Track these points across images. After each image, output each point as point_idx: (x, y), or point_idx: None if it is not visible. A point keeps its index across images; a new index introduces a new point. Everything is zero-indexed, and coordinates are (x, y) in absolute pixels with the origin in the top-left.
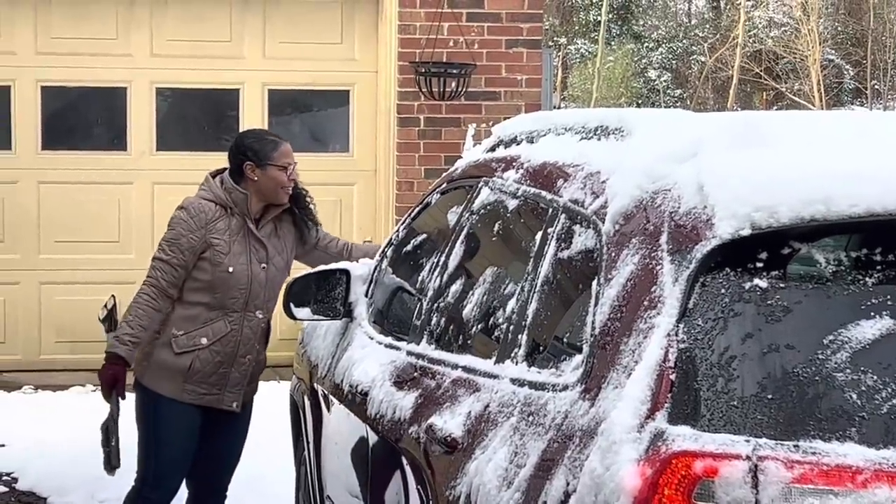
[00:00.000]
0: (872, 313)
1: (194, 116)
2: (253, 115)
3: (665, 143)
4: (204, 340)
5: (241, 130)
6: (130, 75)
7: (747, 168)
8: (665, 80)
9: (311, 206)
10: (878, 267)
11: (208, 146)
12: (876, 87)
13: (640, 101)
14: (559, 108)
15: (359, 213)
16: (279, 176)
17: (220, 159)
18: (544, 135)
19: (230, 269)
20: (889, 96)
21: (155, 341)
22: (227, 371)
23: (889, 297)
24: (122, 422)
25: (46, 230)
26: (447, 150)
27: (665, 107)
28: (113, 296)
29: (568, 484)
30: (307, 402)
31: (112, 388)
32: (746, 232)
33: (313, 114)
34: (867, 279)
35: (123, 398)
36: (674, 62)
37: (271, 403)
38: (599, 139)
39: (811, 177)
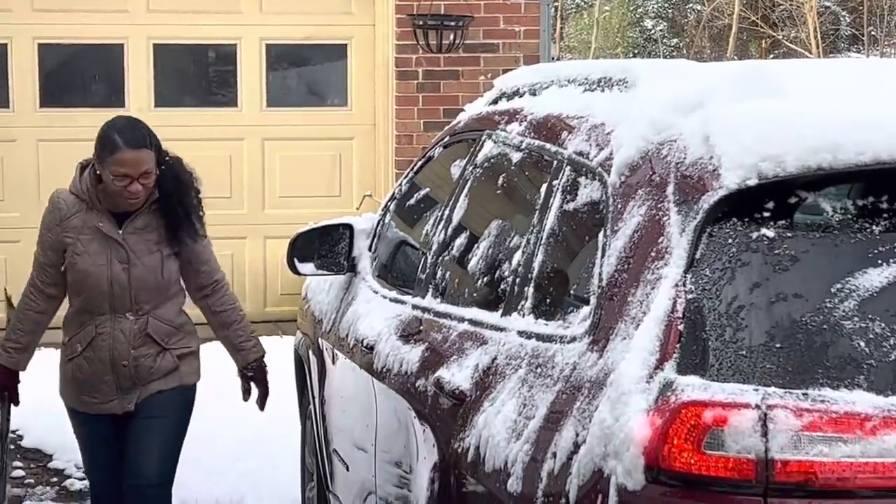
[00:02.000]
0: (879, 261)
1: (192, 72)
2: (251, 70)
3: (670, 94)
4: (78, 347)
5: (238, 85)
6: (127, 32)
7: (753, 118)
8: (661, 30)
9: (196, 214)
10: (885, 215)
11: (206, 102)
12: (872, 33)
13: (636, 51)
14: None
15: (358, 168)
16: (113, 184)
17: (218, 115)
18: (547, 87)
19: (86, 271)
20: (885, 42)
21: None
22: (110, 377)
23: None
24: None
25: (46, 188)
26: (446, 103)
27: (662, 56)
28: (5, 288)
29: (577, 435)
30: (312, 357)
31: None
32: (753, 182)
33: (311, 68)
34: (874, 227)
35: (16, 404)
36: (670, 11)
37: (274, 359)
38: (603, 90)
39: (817, 126)
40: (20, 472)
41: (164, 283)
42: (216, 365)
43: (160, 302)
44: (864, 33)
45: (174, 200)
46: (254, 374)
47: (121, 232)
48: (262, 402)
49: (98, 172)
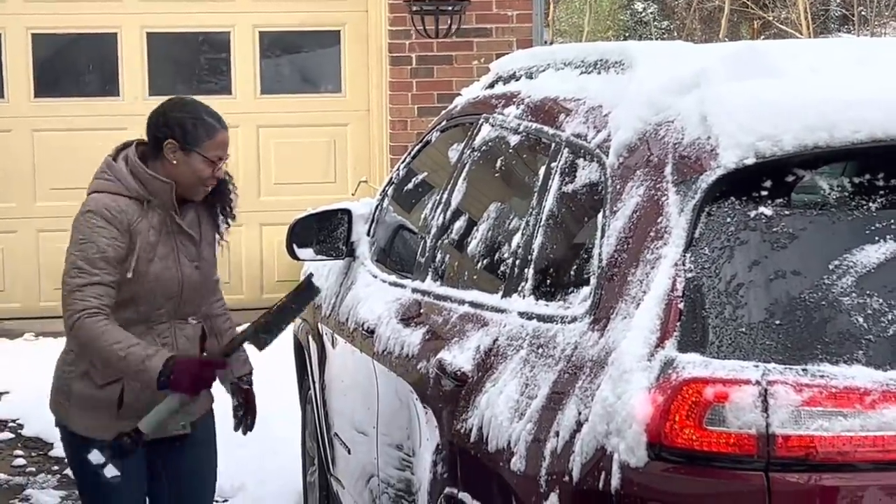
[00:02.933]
0: (877, 238)
1: (186, 60)
2: (244, 58)
3: (667, 75)
4: (110, 370)
5: (232, 73)
6: (120, 20)
7: (750, 98)
8: (652, 12)
9: (233, 196)
10: (882, 192)
11: (200, 90)
12: (863, 13)
13: (627, 34)
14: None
15: (353, 154)
16: (203, 169)
17: (212, 103)
18: (543, 70)
19: (158, 276)
20: (875, 22)
21: (67, 375)
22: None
23: (892, 221)
24: None
25: (42, 178)
26: (440, 88)
27: (653, 39)
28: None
29: (580, 413)
30: (312, 342)
31: (203, 384)
32: (751, 161)
33: (304, 55)
34: (871, 204)
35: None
36: None
37: (273, 345)
38: (600, 73)
39: (814, 104)
40: (21, 461)
41: (214, 278)
42: None
43: (207, 301)
44: (855, 13)
45: (221, 188)
46: (249, 388)
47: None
48: (251, 423)
49: (168, 156)
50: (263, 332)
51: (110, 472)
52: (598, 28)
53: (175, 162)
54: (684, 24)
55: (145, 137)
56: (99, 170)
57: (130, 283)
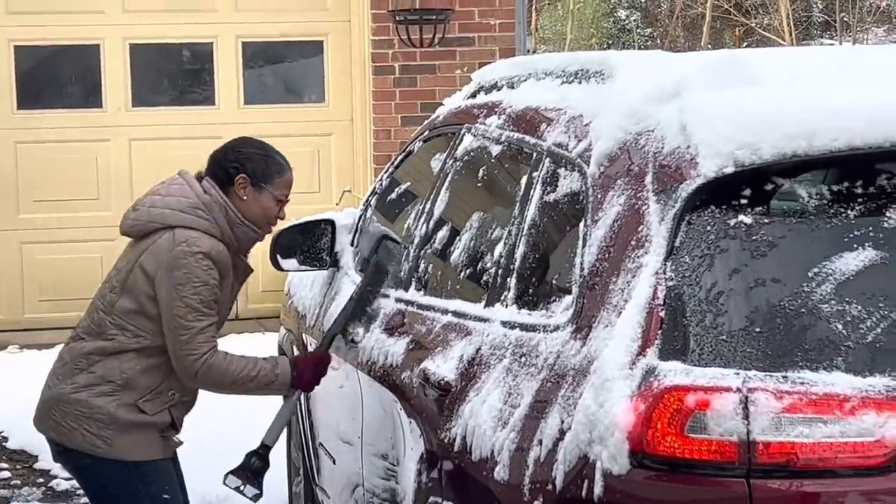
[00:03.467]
0: (855, 245)
1: (169, 71)
2: (227, 69)
3: (647, 85)
4: (173, 394)
5: (215, 84)
6: (103, 32)
7: (729, 107)
8: (635, 20)
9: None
10: (860, 199)
11: (183, 101)
12: (845, 19)
13: (610, 42)
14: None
15: (336, 164)
16: (271, 207)
17: (196, 113)
18: (525, 80)
19: (220, 313)
20: (857, 28)
21: (106, 404)
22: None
23: (871, 228)
24: None
25: (25, 190)
26: (423, 98)
27: (636, 46)
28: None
29: (563, 422)
30: (296, 353)
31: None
32: (730, 169)
33: (287, 65)
34: (849, 212)
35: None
36: (643, 0)
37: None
38: (581, 82)
39: (792, 113)
40: (6, 474)
41: None
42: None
43: None
44: (837, 20)
45: None
46: None
47: None
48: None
49: (239, 191)
50: (352, 322)
51: (250, 491)
52: (581, 36)
53: (245, 198)
54: (667, 32)
55: (203, 170)
56: (188, 204)
57: None
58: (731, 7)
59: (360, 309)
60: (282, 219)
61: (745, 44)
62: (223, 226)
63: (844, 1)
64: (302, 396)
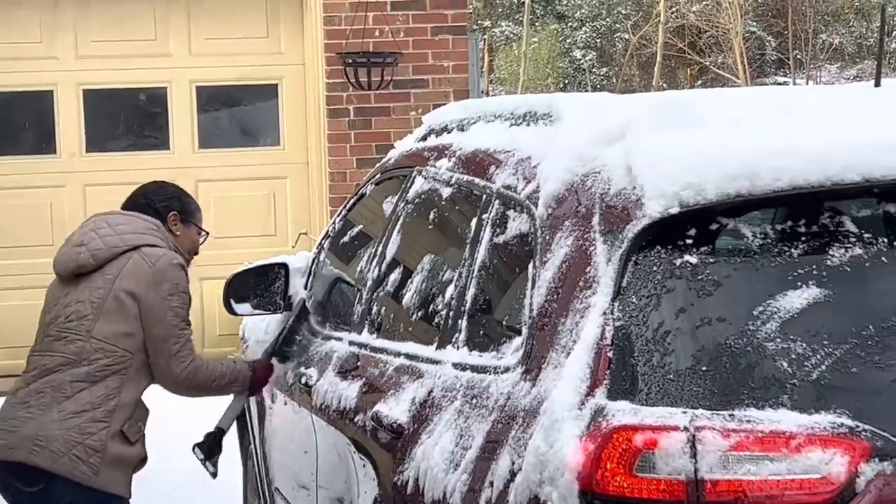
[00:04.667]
0: (799, 283)
1: (123, 116)
2: (182, 113)
3: (593, 127)
4: (141, 425)
5: (169, 128)
6: (56, 78)
7: (674, 147)
8: (590, 59)
9: None
10: (803, 238)
11: (138, 146)
12: (798, 56)
13: (566, 81)
14: (487, 92)
15: (292, 206)
16: (197, 240)
17: (151, 158)
18: (474, 122)
19: None
20: (811, 65)
21: (98, 432)
22: None
23: (814, 266)
24: None
25: None
26: (378, 140)
27: (592, 86)
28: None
29: (513, 463)
30: (251, 397)
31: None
32: (675, 210)
33: (242, 108)
34: (793, 250)
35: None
36: (598, 41)
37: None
38: (529, 125)
39: (735, 153)
40: None
41: None
42: (158, 407)
43: None
44: (790, 57)
45: None
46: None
47: None
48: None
49: (172, 227)
50: (285, 346)
51: (210, 468)
52: (537, 76)
53: (178, 233)
54: (622, 71)
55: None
56: (146, 227)
57: None
58: (685, 46)
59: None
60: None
61: (700, 82)
62: (178, 248)
63: (797, 39)
64: (257, 441)
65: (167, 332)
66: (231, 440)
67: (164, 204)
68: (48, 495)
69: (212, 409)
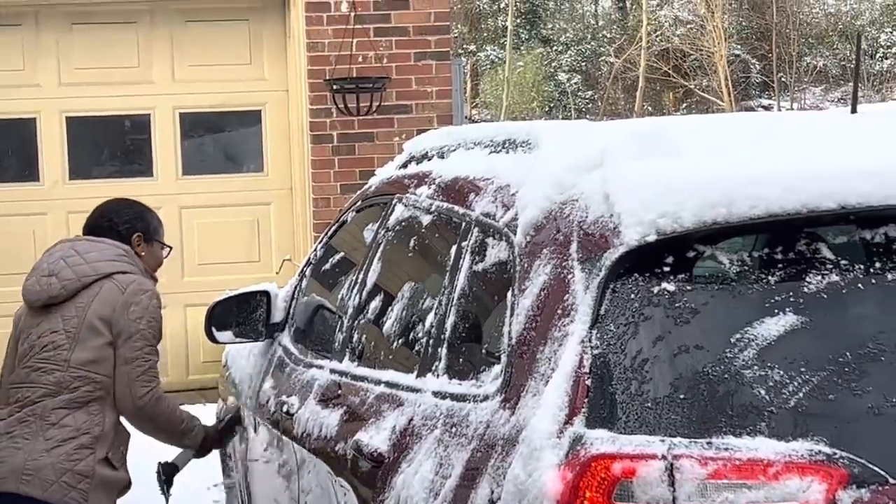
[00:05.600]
0: (776, 310)
1: (106, 143)
2: (165, 140)
3: (571, 154)
4: (123, 449)
5: (153, 155)
6: (39, 105)
7: (651, 175)
8: (575, 83)
9: None
10: (780, 265)
11: (121, 173)
12: (782, 79)
13: (551, 105)
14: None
15: (276, 233)
16: (161, 256)
17: (134, 185)
18: (454, 150)
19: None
20: (795, 88)
21: (85, 458)
22: None
23: (792, 293)
24: None
25: None
26: (362, 166)
27: (576, 109)
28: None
29: (492, 492)
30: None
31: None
32: (652, 238)
33: (226, 135)
34: (770, 278)
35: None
36: (583, 64)
37: None
38: (508, 152)
39: (713, 181)
40: None
41: None
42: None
43: None
44: (775, 80)
45: None
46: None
47: None
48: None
49: (136, 248)
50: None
51: (165, 495)
52: (522, 99)
53: (143, 254)
54: (606, 94)
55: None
56: (116, 253)
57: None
58: (669, 69)
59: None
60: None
61: (684, 105)
62: (146, 271)
63: (782, 62)
64: (240, 468)
65: (133, 354)
66: (215, 467)
67: (127, 226)
68: None
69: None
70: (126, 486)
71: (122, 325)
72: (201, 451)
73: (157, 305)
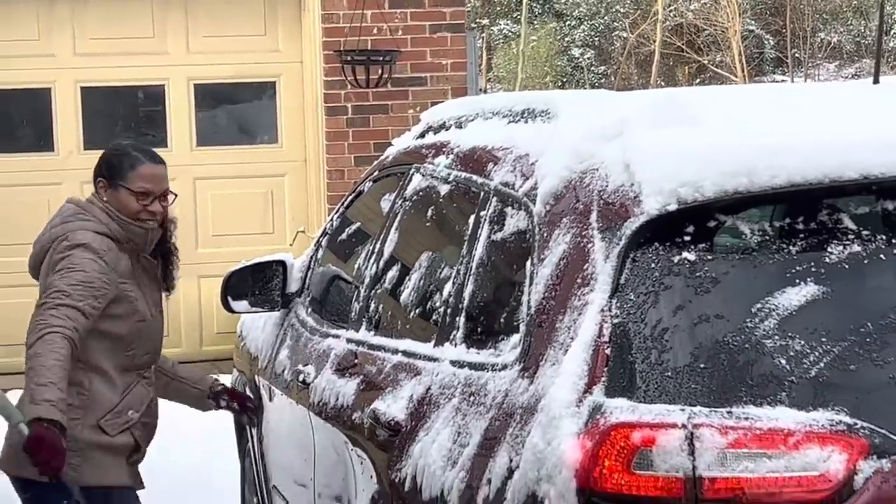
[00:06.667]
0: (797, 280)
1: (121, 114)
2: (179, 111)
3: (591, 124)
4: (132, 413)
5: (167, 126)
6: (54, 76)
7: (672, 145)
8: (589, 58)
9: (175, 269)
10: (801, 235)
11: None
12: (796, 55)
13: (564, 80)
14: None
15: (290, 204)
16: (130, 202)
17: None
18: (472, 119)
19: (145, 318)
20: (809, 64)
21: (76, 428)
22: (148, 444)
23: (812, 263)
24: None
25: None
26: (376, 138)
27: (590, 84)
28: None
29: (511, 460)
30: (249, 395)
31: (56, 464)
32: (673, 207)
33: (240, 106)
34: (791, 247)
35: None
36: (596, 39)
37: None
38: (527, 122)
39: (734, 150)
40: None
41: None
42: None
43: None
44: (788, 56)
45: (168, 245)
46: (224, 388)
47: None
48: (250, 416)
49: (101, 193)
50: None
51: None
52: (535, 74)
53: (106, 199)
54: (620, 69)
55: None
56: (71, 212)
57: (122, 323)
58: (683, 45)
59: None
60: (153, 214)
61: (698, 80)
62: (107, 222)
63: (796, 37)
64: (255, 439)
65: (40, 300)
66: (229, 437)
67: (95, 173)
68: (44, 500)
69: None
70: (135, 449)
71: (48, 280)
72: (25, 447)
73: (84, 257)
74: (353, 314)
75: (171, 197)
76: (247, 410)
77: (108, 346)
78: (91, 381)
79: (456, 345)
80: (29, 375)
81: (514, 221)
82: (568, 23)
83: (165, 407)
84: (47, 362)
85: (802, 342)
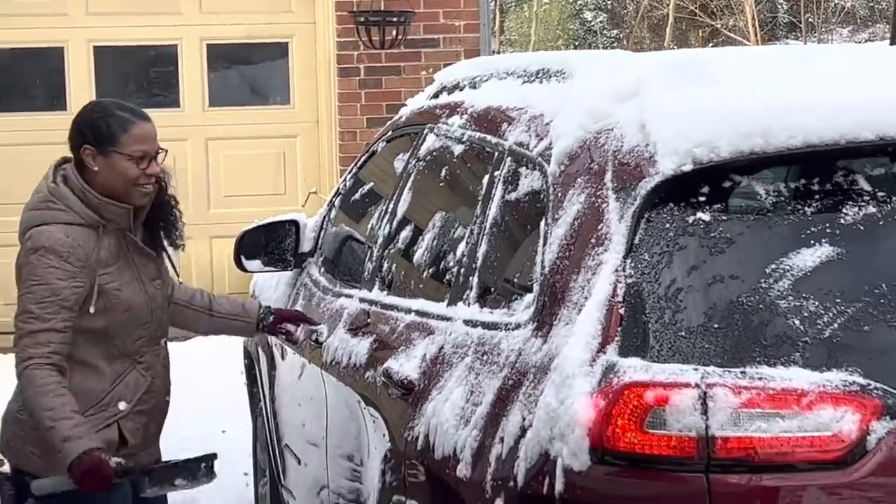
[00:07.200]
0: (812, 241)
1: (133, 74)
2: (192, 71)
3: (606, 84)
4: (122, 404)
5: (179, 86)
6: (67, 35)
7: (687, 105)
8: (601, 21)
9: (178, 222)
10: (817, 196)
11: (148, 104)
12: (810, 20)
13: (577, 43)
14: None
15: (302, 165)
16: (128, 168)
17: (161, 116)
18: (486, 80)
19: (131, 304)
20: (823, 29)
21: None
22: (157, 425)
23: (828, 225)
24: None
25: None
26: (389, 99)
27: (602, 47)
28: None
29: (524, 419)
30: (261, 354)
31: (106, 486)
32: (688, 167)
33: (252, 67)
34: (806, 209)
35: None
36: (609, 2)
37: (225, 357)
38: (541, 82)
39: (749, 111)
40: None
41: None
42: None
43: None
44: (802, 20)
45: (165, 197)
46: (274, 319)
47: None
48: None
49: (89, 164)
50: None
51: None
52: (547, 37)
53: (97, 169)
54: (633, 33)
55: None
56: (39, 199)
57: (101, 317)
58: (696, 8)
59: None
60: (151, 177)
61: (711, 45)
62: (82, 210)
63: (809, 2)
64: (267, 398)
65: (14, 320)
66: (241, 395)
67: (77, 139)
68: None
69: (210, 393)
70: (120, 445)
71: (18, 294)
72: (73, 478)
73: (48, 264)
74: (366, 274)
75: (161, 154)
76: (309, 323)
77: (89, 339)
78: (72, 375)
79: (469, 304)
80: (34, 420)
81: (529, 181)
82: None
83: (177, 363)
84: (40, 402)
85: (816, 303)
